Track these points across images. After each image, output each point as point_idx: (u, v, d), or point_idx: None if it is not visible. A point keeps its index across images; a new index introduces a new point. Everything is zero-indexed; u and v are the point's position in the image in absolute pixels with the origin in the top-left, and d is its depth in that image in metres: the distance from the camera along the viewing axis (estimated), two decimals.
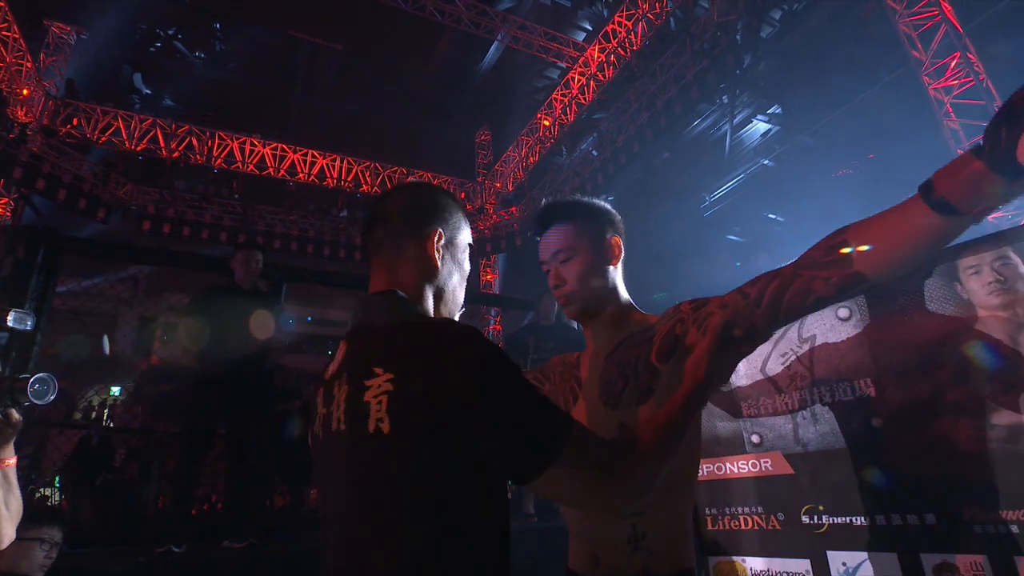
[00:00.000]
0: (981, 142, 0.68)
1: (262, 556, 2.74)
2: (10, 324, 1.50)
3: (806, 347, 1.50)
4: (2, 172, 9.74)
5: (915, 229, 0.74)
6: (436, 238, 0.89)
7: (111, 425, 11.22)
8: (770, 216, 14.07)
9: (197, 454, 3.02)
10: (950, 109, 6.01)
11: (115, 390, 14.34)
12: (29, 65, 10.28)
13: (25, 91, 10.28)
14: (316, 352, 19.71)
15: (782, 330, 1.56)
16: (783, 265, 0.89)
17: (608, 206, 1.17)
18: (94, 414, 11.37)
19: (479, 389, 0.69)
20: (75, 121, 11.15)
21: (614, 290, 1.13)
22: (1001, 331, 1.26)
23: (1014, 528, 1.15)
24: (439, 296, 0.89)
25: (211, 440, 3.17)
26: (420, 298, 0.87)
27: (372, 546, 0.71)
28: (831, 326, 1.47)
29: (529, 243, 12.86)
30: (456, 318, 0.93)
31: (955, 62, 6.03)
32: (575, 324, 4.79)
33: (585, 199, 1.17)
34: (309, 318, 17.30)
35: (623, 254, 1.14)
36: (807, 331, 1.51)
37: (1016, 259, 1.28)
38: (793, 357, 1.52)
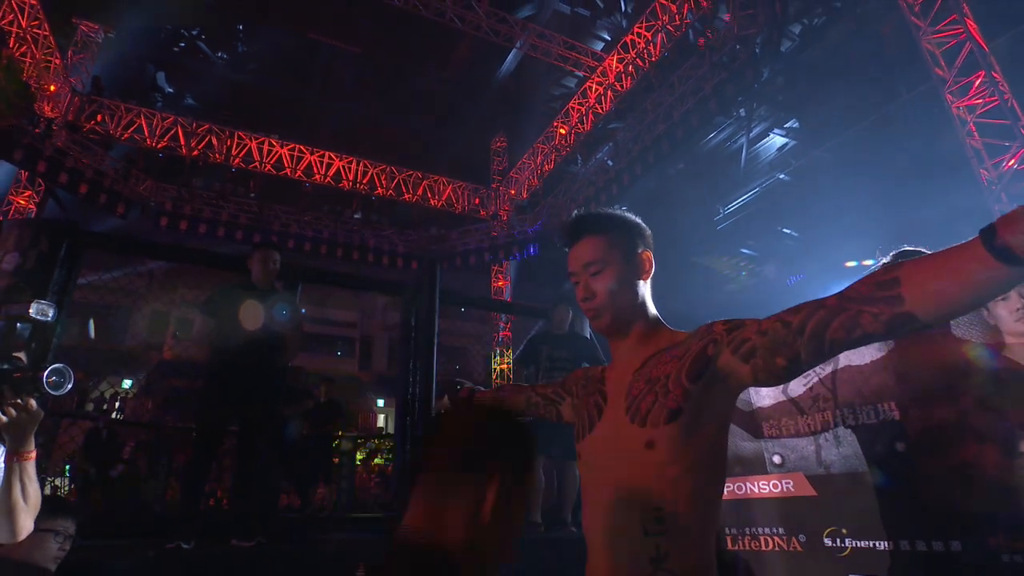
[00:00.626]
0: None
1: (270, 555, 2.75)
2: (32, 315, 1.51)
3: (829, 369, 1.48)
4: (27, 165, 9.92)
5: (973, 275, 0.72)
6: None
7: (121, 418, 11.34)
8: (784, 231, 13.98)
9: (208, 451, 3.04)
10: (973, 128, 5.94)
11: (127, 383, 14.51)
12: (57, 62, 10.49)
13: (52, 87, 10.49)
14: (324, 353, 19.81)
15: None
16: (827, 296, 0.87)
17: (639, 220, 1.16)
18: (105, 406, 11.50)
19: None
20: (99, 117, 11.35)
21: (643, 305, 1.11)
22: None
23: None
24: None
25: (222, 438, 3.19)
26: None
27: None
28: (855, 349, 1.45)
29: (542, 251, 12.87)
30: None
31: (979, 80, 5.97)
32: (588, 334, 4.77)
33: (617, 212, 1.15)
34: (303, 310, 17.43)
35: (654, 269, 1.13)
36: None
37: None
38: (816, 379, 1.50)
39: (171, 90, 14.18)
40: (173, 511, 3.39)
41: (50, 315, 1.75)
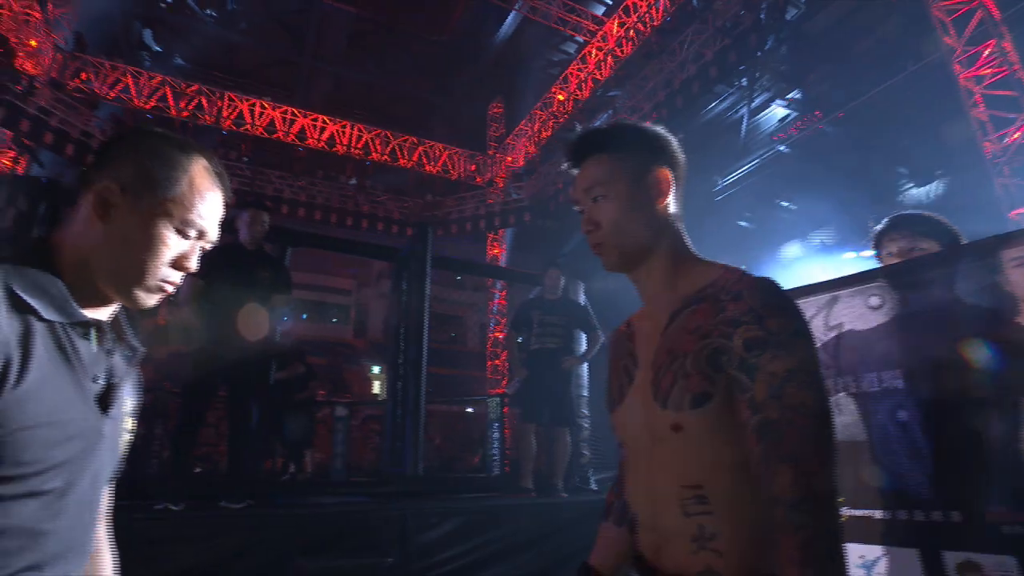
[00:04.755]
0: None
1: (258, 518, 2.74)
2: None
3: (832, 335, 1.44)
4: (9, 124, 9.64)
5: None
6: (102, 193, 0.75)
7: None
8: (782, 204, 13.88)
9: (196, 414, 3.01)
10: (979, 100, 5.81)
11: None
12: (37, 15, 10.08)
13: (33, 42, 10.11)
14: (319, 320, 19.81)
15: (806, 317, 1.49)
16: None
17: (658, 130, 0.96)
18: None
19: None
20: (84, 76, 11.00)
21: (660, 235, 0.92)
22: None
23: None
24: (97, 259, 0.76)
25: (209, 400, 3.16)
26: (68, 259, 0.75)
27: None
28: (860, 315, 1.40)
29: (538, 219, 12.75)
30: (137, 296, 0.78)
31: (989, 50, 5.81)
32: (582, 300, 4.73)
33: (629, 123, 0.98)
34: (305, 315, 17.43)
35: (674, 188, 0.94)
36: (834, 319, 1.44)
37: None
38: (817, 345, 1.45)
39: (159, 49, 13.72)
40: (164, 475, 3.38)
41: None
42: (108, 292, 0.78)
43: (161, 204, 0.78)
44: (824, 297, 1.46)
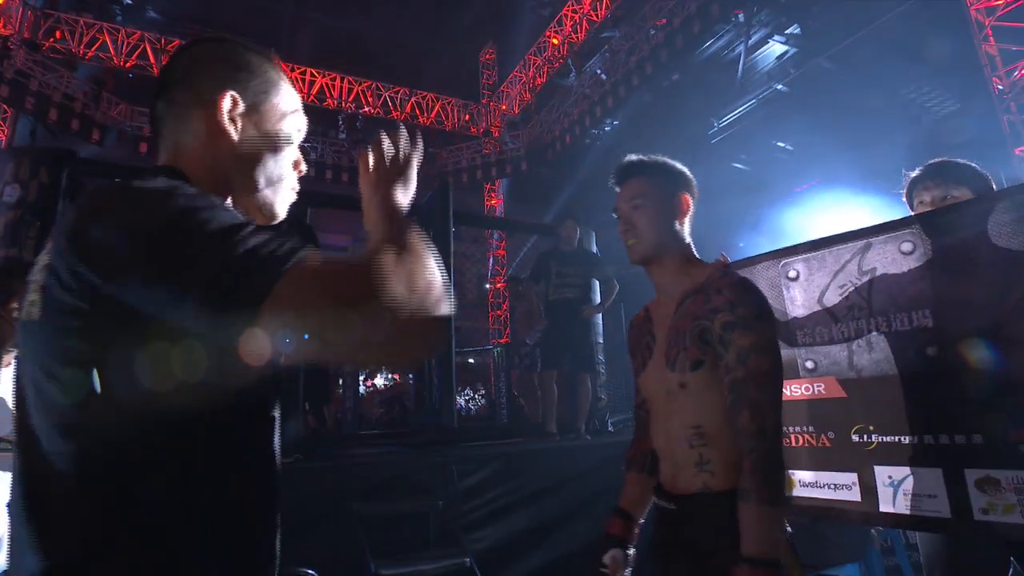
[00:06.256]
0: None
1: (307, 470, 2.90)
2: None
3: (865, 279, 1.54)
4: None
5: None
6: (226, 105, 0.71)
7: None
8: (779, 144, 13.72)
9: None
10: (990, 32, 5.69)
11: None
12: None
13: None
14: None
15: (841, 263, 1.59)
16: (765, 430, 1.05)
17: (684, 169, 1.32)
18: None
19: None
20: (58, 34, 10.54)
21: (676, 242, 1.26)
22: None
23: None
24: (239, 174, 0.73)
25: None
26: (206, 179, 0.70)
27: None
28: (892, 260, 1.50)
29: (534, 167, 12.64)
30: (277, 204, 0.77)
31: None
32: (595, 249, 4.82)
33: (664, 160, 1.32)
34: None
35: (691, 211, 1.29)
36: (867, 264, 1.54)
37: None
38: (851, 288, 1.56)
39: (129, 1, 13.09)
40: None
41: None
42: (250, 205, 0.75)
43: (276, 107, 0.76)
44: (858, 244, 1.56)
